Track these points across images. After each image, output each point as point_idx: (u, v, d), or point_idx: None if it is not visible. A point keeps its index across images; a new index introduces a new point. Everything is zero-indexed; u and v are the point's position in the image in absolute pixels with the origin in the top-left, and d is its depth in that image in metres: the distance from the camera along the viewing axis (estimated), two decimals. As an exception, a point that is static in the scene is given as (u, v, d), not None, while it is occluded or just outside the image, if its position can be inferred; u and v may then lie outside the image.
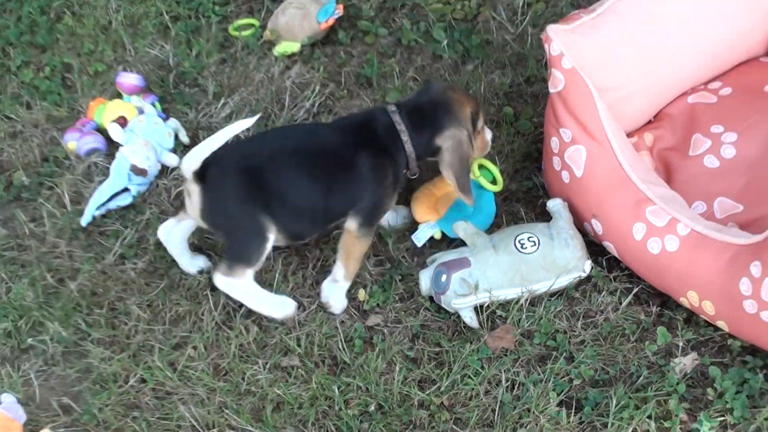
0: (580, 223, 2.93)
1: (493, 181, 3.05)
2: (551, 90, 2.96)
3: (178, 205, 3.20)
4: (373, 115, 2.94)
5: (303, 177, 2.82)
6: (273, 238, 2.81)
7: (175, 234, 2.99)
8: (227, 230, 2.82)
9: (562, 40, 2.92)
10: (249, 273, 2.82)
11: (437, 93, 2.98)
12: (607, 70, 2.99)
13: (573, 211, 2.93)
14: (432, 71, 3.54)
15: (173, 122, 3.38)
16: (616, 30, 3.00)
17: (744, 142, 3.02)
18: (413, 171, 2.94)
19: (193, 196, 2.81)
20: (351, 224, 2.89)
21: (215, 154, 2.75)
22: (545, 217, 2.98)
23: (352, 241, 2.89)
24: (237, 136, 2.87)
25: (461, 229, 2.92)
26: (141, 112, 3.39)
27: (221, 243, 3.01)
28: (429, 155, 2.93)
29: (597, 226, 2.88)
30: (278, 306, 2.86)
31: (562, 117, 2.93)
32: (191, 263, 3.01)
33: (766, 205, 2.86)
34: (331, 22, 3.62)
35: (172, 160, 3.30)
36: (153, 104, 3.45)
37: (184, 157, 2.76)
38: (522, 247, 2.83)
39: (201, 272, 3.00)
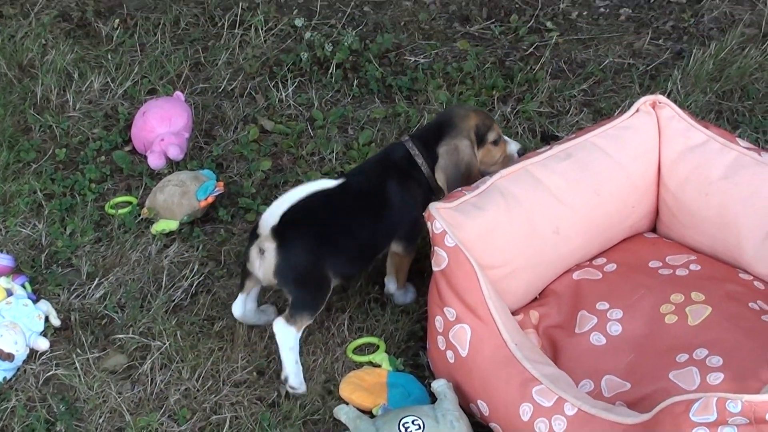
0: (466, 404, 2.97)
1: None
2: (435, 268, 3.03)
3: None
4: (391, 149, 3.41)
5: (355, 223, 3.22)
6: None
7: (249, 307, 3.28)
8: (299, 284, 3.14)
9: (444, 218, 3.02)
10: (306, 324, 3.15)
11: (444, 112, 3.53)
12: (491, 247, 3.09)
13: (459, 391, 2.97)
14: (315, 249, 3.60)
15: (44, 304, 3.36)
16: (499, 207, 3.11)
17: (629, 318, 3.12)
18: (435, 187, 3.33)
19: (268, 253, 3.11)
20: (398, 248, 3.34)
21: (288, 215, 3.09)
22: (431, 398, 3.01)
23: (401, 259, 3.36)
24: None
25: (343, 413, 2.93)
26: (10, 294, 3.37)
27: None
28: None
29: (483, 407, 2.92)
30: (299, 379, 3.15)
31: (446, 295, 3.00)
32: (265, 317, 3.32)
33: (652, 382, 2.93)
34: (211, 199, 3.68)
35: (42, 344, 3.27)
36: (23, 285, 3.43)
37: (264, 215, 3.08)
38: (407, 431, 2.84)
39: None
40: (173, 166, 3.94)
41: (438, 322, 3.03)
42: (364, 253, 3.29)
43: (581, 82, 4.27)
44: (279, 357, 3.15)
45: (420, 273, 3.43)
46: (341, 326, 3.32)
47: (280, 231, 3.10)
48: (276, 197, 3.75)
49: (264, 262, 3.14)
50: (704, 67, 4.22)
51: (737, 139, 3.36)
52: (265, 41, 4.49)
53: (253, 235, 3.15)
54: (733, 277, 3.24)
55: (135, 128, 4.02)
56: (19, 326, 3.25)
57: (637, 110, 3.37)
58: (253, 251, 3.16)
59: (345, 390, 3.10)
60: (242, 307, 3.27)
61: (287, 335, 3.12)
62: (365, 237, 3.26)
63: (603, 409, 2.76)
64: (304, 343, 3.24)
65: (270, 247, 3.12)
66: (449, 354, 2.99)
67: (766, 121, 4.05)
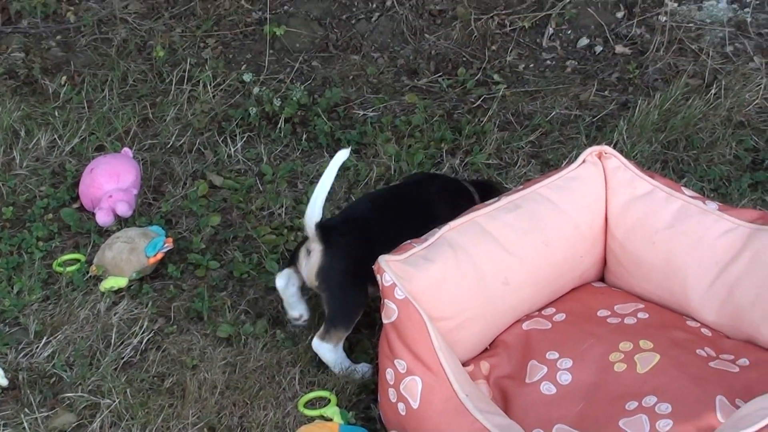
0: (418, 456, 2.99)
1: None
2: (385, 321, 3.07)
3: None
4: (455, 179, 3.82)
5: (405, 233, 3.29)
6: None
7: (292, 280, 3.42)
8: (336, 291, 3.30)
9: (394, 270, 3.06)
10: (342, 336, 3.31)
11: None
12: (441, 299, 3.13)
13: (410, 443, 2.99)
14: (265, 304, 3.62)
15: (-9, 364, 3.37)
16: (448, 259, 3.16)
17: (579, 367, 3.16)
18: None
19: (314, 254, 3.32)
20: None
21: (335, 221, 3.42)
22: (383, 451, 3.04)
23: None
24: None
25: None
26: (-44, 353, 3.37)
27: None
28: None
29: (435, 459, 2.95)
30: (354, 372, 3.35)
31: (397, 348, 3.03)
32: (301, 307, 3.47)
33: (603, 430, 2.97)
34: (160, 256, 3.70)
35: (-12, 404, 3.27)
36: (-31, 345, 3.43)
37: (305, 216, 3.28)
38: (359, 484, 2.87)
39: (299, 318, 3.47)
40: (122, 222, 3.95)
41: (389, 374, 3.05)
42: None
43: (528, 133, 4.35)
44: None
45: (371, 326, 3.46)
46: (292, 380, 3.33)
47: (325, 234, 3.30)
48: (226, 252, 3.83)
49: (309, 262, 3.33)
50: (649, 117, 4.31)
51: (682, 188, 3.43)
52: (213, 97, 4.53)
53: (304, 238, 3.37)
54: (681, 325, 3.30)
55: (83, 185, 4.04)
56: (-34, 386, 3.25)
57: (584, 161, 3.44)
58: (302, 252, 3.38)
59: (297, 445, 3.12)
60: (286, 279, 3.43)
61: (325, 352, 3.31)
62: None
63: (554, 458, 2.79)
64: (255, 397, 3.25)
65: (317, 248, 3.32)
66: (400, 406, 3.02)
67: (710, 170, 4.14)
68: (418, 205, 3.56)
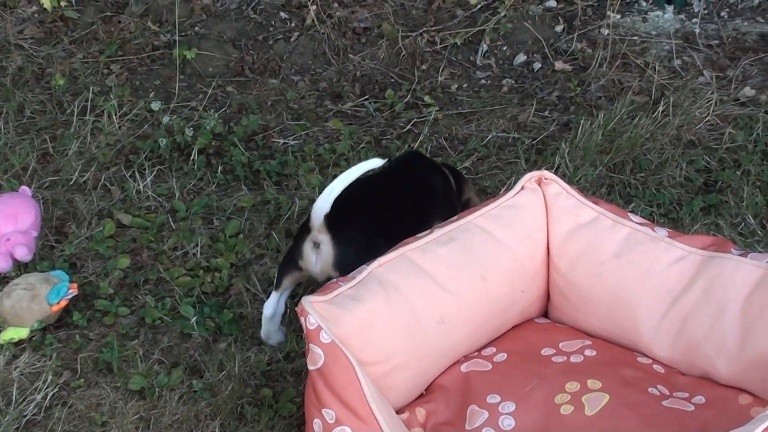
0: None
1: None
2: (310, 367, 3.06)
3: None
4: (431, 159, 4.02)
5: (406, 214, 3.60)
6: None
7: (279, 307, 3.59)
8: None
9: (319, 312, 3.06)
10: None
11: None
12: (371, 341, 3.13)
13: (341, 500, 2.99)
14: (181, 352, 3.61)
15: None
16: (378, 298, 3.16)
17: (523, 411, 3.17)
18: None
19: (324, 246, 3.42)
20: None
21: (338, 208, 3.40)
22: None
23: None
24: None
25: None
26: None
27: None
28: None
29: None
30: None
31: (324, 396, 3.03)
32: (279, 336, 3.65)
33: (549, 479, 2.99)
34: (64, 303, 3.68)
35: None
36: None
37: (315, 204, 3.35)
38: None
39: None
40: (21, 268, 3.93)
41: (317, 425, 3.05)
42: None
43: (464, 159, 4.38)
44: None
45: (296, 372, 3.46)
46: (212, 436, 3.34)
47: (332, 223, 3.40)
48: (136, 297, 3.82)
49: (321, 255, 3.45)
50: (593, 138, 4.36)
51: (629, 214, 3.46)
52: (119, 128, 4.53)
53: (304, 230, 3.46)
54: (631, 361, 3.32)
55: (-23, 228, 4.02)
56: None
57: (522, 188, 3.46)
58: (307, 246, 3.46)
59: (218, 506, 3.12)
60: (275, 306, 3.58)
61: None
62: (412, 229, 3.44)
63: None
64: (170, 456, 3.25)
65: (325, 239, 3.43)
66: (330, 460, 3.02)
67: (660, 194, 4.19)
68: (408, 181, 3.74)
